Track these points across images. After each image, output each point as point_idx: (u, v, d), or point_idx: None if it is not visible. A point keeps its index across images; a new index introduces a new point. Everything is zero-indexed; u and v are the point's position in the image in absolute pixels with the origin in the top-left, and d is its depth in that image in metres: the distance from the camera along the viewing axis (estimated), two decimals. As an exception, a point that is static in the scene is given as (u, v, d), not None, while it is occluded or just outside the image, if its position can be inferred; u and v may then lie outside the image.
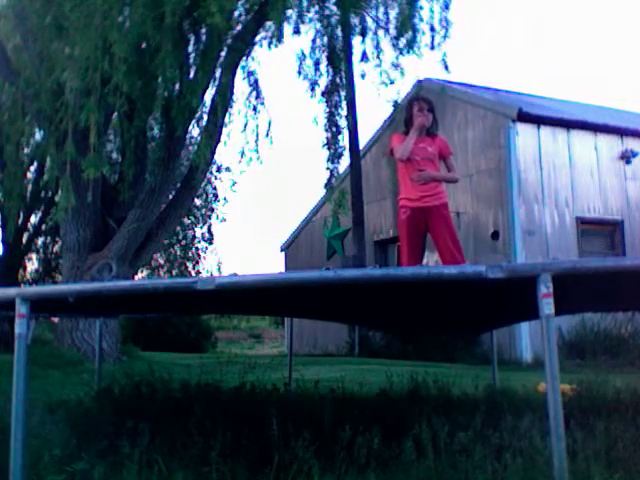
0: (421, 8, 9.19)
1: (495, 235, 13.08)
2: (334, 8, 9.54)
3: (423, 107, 5.24)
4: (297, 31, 9.19)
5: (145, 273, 20.22)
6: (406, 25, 8.96)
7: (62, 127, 8.01)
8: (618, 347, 11.22)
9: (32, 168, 14.60)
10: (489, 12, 62.29)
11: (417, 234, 5.11)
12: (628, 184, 13.80)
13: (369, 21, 9.73)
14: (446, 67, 9.27)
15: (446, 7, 9.20)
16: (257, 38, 9.38)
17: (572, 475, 2.66)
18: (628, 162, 13.74)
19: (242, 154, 9.30)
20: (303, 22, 9.35)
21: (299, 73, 10.07)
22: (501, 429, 3.35)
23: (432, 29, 9.19)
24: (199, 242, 21.96)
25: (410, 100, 5.49)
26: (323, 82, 10.21)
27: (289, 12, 8.62)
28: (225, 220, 21.98)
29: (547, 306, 2.66)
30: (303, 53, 10.08)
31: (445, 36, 9.19)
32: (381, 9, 9.55)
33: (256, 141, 9.27)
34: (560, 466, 2.57)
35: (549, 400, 2.62)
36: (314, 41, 9.99)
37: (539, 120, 13.25)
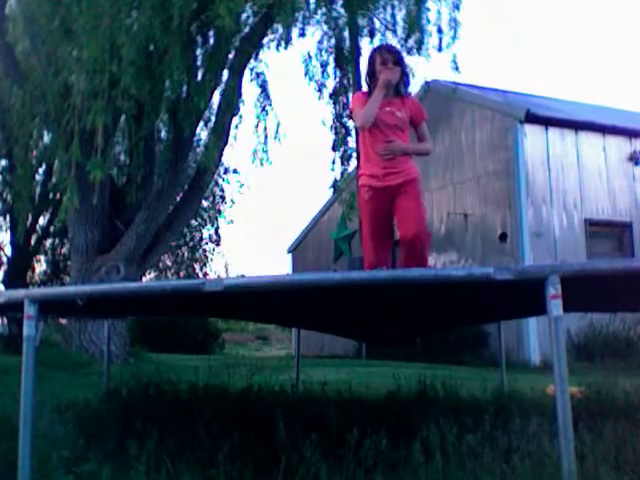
0: (428, 10, 9.20)
1: (503, 237, 13.05)
2: (341, 10, 9.56)
3: (387, 59, 4.23)
4: (304, 33, 9.21)
5: (153, 275, 20.28)
6: (414, 26, 8.97)
7: (70, 129, 8.05)
8: (627, 349, 11.18)
9: (41, 170, 14.67)
10: (496, 13, 62.20)
11: (382, 218, 4.29)
12: (637, 185, 13.75)
13: (377, 22, 9.74)
14: (456, 68, 9.26)
15: (456, 8, 9.21)
16: (265, 40, 9.41)
17: (581, 477, 2.64)
18: (637, 163, 13.69)
19: (254, 154, 9.32)
20: (310, 24, 9.38)
21: (306, 75, 10.07)
22: (509, 431, 3.34)
23: (440, 31, 9.20)
24: (206, 244, 22.02)
25: (372, 52, 4.46)
26: (331, 84, 10.22)
27: (297, 14, 8.63)
28: (232, 222, 22.04)
29: (556, 308, 2.65)
30: (310, 55, 10.10)
31: (454, 37, 9.20)
32: (388, 10, 9.55)
33: (265, 142, 9.29)
34: (569, 468, 2.56)
35: (558, 402, 2.61)
36: (321, 43, 10.01)
37: (547, 121, 13.22)
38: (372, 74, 4.28)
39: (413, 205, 4.20)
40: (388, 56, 4.24)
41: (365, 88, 4.45)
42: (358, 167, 4.39)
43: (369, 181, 4.23)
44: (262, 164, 9.28)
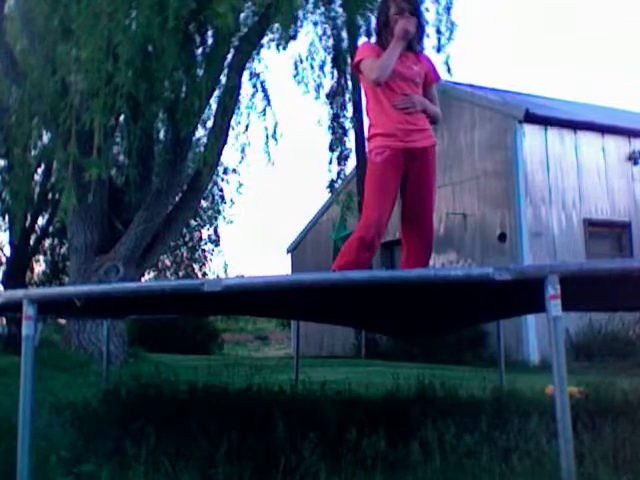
0: (427, 10, 9.19)
1: (502, 237, 13.06)
2: (340, 10, 9.55)
3: (404, 8, 3.71)
4: (299, 33, 9.21)
5: (152, 275, 20.26)
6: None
7: (68, 129, 8.04)
8: (626, 349, 11.18)
9: (39, 170, 14.65)
10: (496, 13, 62.28)
11: (395, 184, 3.77)
12: (636, 185, 13.76)
13: (375, 22, 9.72)
14: (449, 70, 9.26)
15: (448, 9, 9.19)
16: (264, 40, 9.41)
17: (580, 477, 2.64)
18: (636, 163, 13.71)
19: (247, 156, 9.36)
20: (309, 24, 9.39)
21: (296, 75, 10.07)
22: (508, 431, 3.34)
23: (438, 31, 9.19)
24: (205, 244, 22.00)
25: None
26: (328, 84, 10.22)
27: (295, 13, 8.63)
28: (232, 222, 22.03)
29: (555, 308, 2.64)
30: (307, 55, 10.10)
31: (449, 38, 9.19)
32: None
33: (266, 143, 9.31)
34: (568, 468, 2.56)
35: (557, 402, 2.61)
36: (319, 42, 10.01)
37: (546, 121, 13.23)
38: (385, 24, 3.79)
39: (432, 189, 3.80)
40: (404, 4, 3.71)
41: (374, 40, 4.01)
42: (368, 129, 3.87)
43: (386, 141, 3.70)
44: (257, 164, 9.32)
